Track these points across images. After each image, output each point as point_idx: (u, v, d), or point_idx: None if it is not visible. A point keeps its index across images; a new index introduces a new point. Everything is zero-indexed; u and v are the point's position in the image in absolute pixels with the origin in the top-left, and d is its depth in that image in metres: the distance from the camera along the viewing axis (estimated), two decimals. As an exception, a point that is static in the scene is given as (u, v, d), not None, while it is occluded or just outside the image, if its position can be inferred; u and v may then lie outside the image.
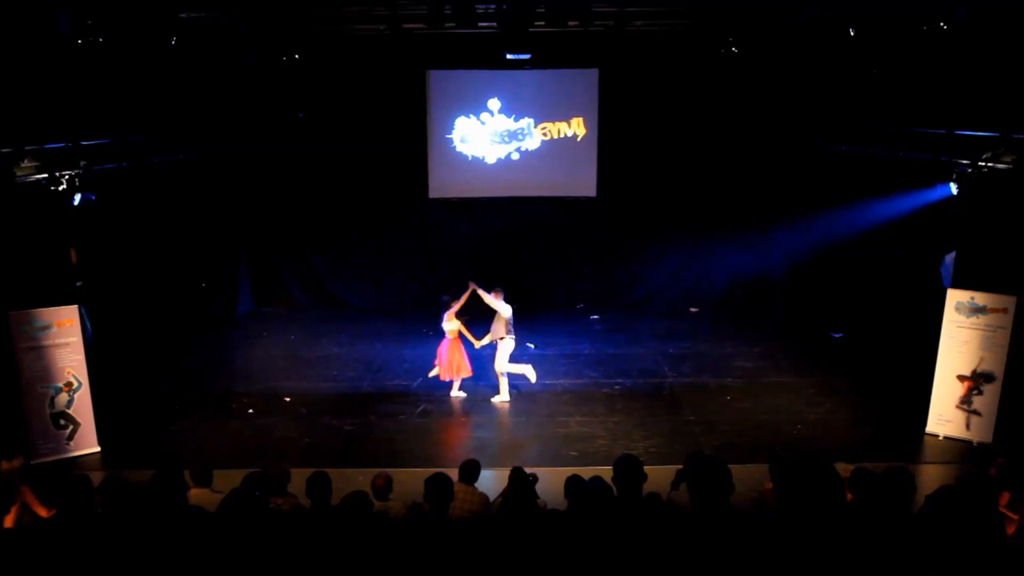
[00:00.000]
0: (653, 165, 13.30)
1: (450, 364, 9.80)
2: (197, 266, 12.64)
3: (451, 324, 9.77)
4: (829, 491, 4.03)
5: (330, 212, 13.50)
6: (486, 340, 9.84)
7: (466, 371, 9.88)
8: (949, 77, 9.11)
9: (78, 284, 9.74)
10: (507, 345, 9.71)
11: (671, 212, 13.47)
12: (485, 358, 10.11)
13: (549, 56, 12.48)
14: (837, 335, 12.18)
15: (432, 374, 10.02)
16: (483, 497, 6.03)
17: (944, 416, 8.75)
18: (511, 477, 5.78)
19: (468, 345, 9.94)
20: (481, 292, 9.59)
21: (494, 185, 13.63)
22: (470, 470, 6.04)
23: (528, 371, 9.88)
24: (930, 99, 9.63)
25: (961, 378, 8.66)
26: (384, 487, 5.71)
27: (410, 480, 6.00)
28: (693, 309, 13.66)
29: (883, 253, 11.30)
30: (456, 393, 10.03)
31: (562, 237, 14.01)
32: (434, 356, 10.03)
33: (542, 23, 10.12)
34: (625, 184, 13.50)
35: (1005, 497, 5.81)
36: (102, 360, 9.06)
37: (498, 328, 9.69)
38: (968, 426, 8.62)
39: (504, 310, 9.58)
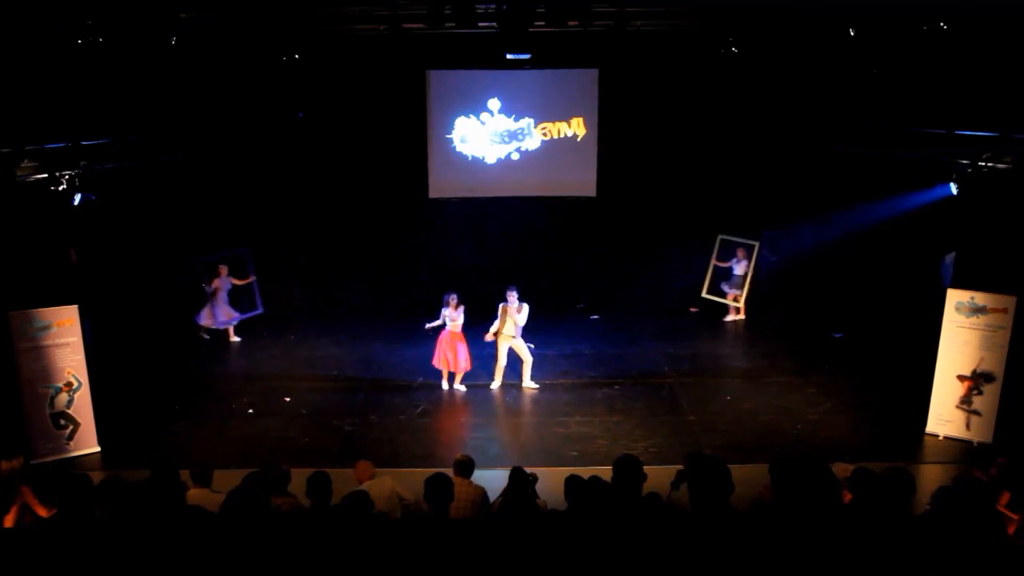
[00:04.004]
0: (653, 165, 13.29)
1: (444, 355, 10.01)
2: (197, 266, 12.63)
3: (452, 317, 9.95)
4: (824, 491, 4.04)
5: (330, 212, 13.48)
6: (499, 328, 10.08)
7: (465, 365, 10.06)
8: (949, 77, 9.12)
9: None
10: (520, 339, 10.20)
11: (671, 212, 13.46)
12: (486, 356, 10.21)
13: (549, 56, 12.47)
14: (837, 335, 12.18)
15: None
16: (482, 489, 6.12)
17: (944, 416, 8.76)
18: (511, 477, 5.79)
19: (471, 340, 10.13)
20: (508, 310, 9.96)
21: (494, 185, 13.62)
22: (465, 465, 6.17)
23: (499, 374, 10.29)
24: (930, 99, 9.64)
25: (961, 378, 8.66)
26: (366, 473, 5.84)
27: (410, 480, 6.01)
28: (693, 309, 13.65)
29: (883, 253, 11.31)
30: (446, 386, 10.22)
31: (562, 237, 14.01)
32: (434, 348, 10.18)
33: (542, 23, 10.12)
34: (625, 184, 13.50)
35: (1005, 497, 5.82)
36: (102, 360, 9.05)
37: (518, 321, 10.01)
38: (968, 426, 8.62)
39: (524, 308, 10.04)
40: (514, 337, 10.06)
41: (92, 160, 9.07)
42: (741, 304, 13.07)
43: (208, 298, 11.95)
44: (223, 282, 12.03)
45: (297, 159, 12.97)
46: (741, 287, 13.05)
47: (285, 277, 13.92)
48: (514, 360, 10.26)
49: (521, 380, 10.27)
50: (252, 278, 12.41)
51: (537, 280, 13.75)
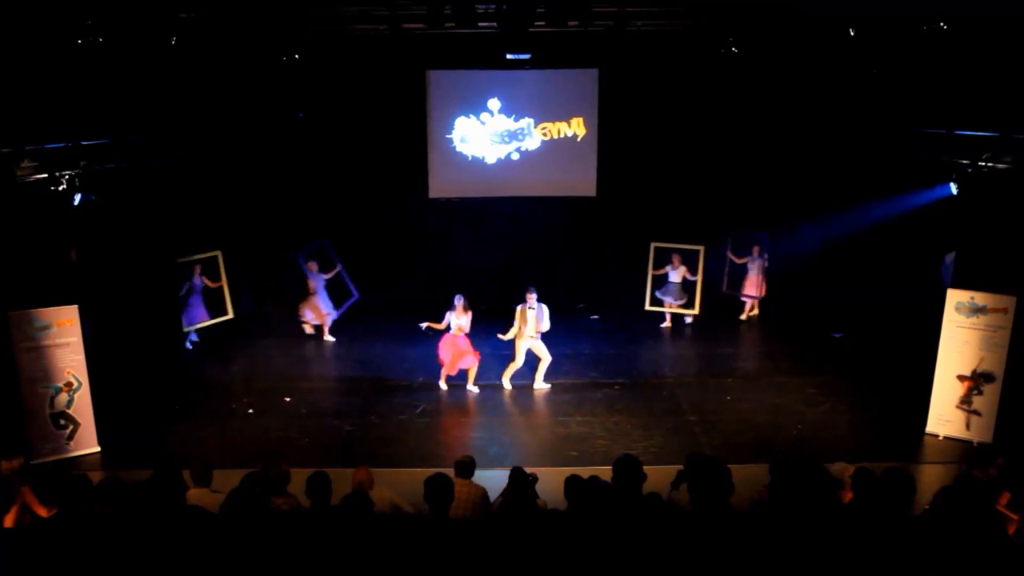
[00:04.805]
0: (653, 165, 13.30)
1: (452, 358, 9.96)
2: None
3: (459, 320, 9.90)
4: (820, 491, 4.04)
5: (330, 212, 13.48)
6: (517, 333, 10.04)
7: (472, 362, 10.03)
8: (949, 77, 9.12)
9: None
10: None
11: (671, 212, 13.46)
12: (491, 356, 10.27)
13: (549, 56, 12.47)
14: (837, 335, 12.18)
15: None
16: (482, 489, 6.12)
17: (944, 416, 8.76)
18: (511, 477, 5.79)
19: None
20: (525, 311, 9.93)
21: (494, 185, 13.62)
22: (466, 466, 6.17)
23: (509, 373, 10.26)
24: (930, 99, 9.64)
25: (961, 378, 8.66)
26: (367, 481, 5.79)
27: (410, 480, 6.01)
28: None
29: (883, 253, 11.31)
30: (444, 387, 10.17)
31: (562, 237, 14.01)
32: (438, 354, 10.13)
33: (542, 23, 10.13)
34: (625, 184, 13.50)
35: (1005, 497, 5.82)
36: (102, 360, 9.05)
37: (539, 325, 10.01)
38: (968, 426, 8.62)
39: (544, 309, 10.04)
40: (534, 338, 10.03)
41: (92, 160, 9.06)
42: (696, 309, 12.67)
43: (304, 295, 12.04)
44: (315, 278, 12.00)
45: (297, 159, 12.98)
46: (677, 294, 12.70)
47: (284, 277, 13.92)
48: (530, 359, 10.23)
49: (533, 380, 10.22)
50: (339, 267, 12.27)
51: (537, 280, 13.76)
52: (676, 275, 12.66)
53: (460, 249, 13.93)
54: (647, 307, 12.87)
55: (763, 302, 13.27)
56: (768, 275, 13.09)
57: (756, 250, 12.83)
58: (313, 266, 12.07)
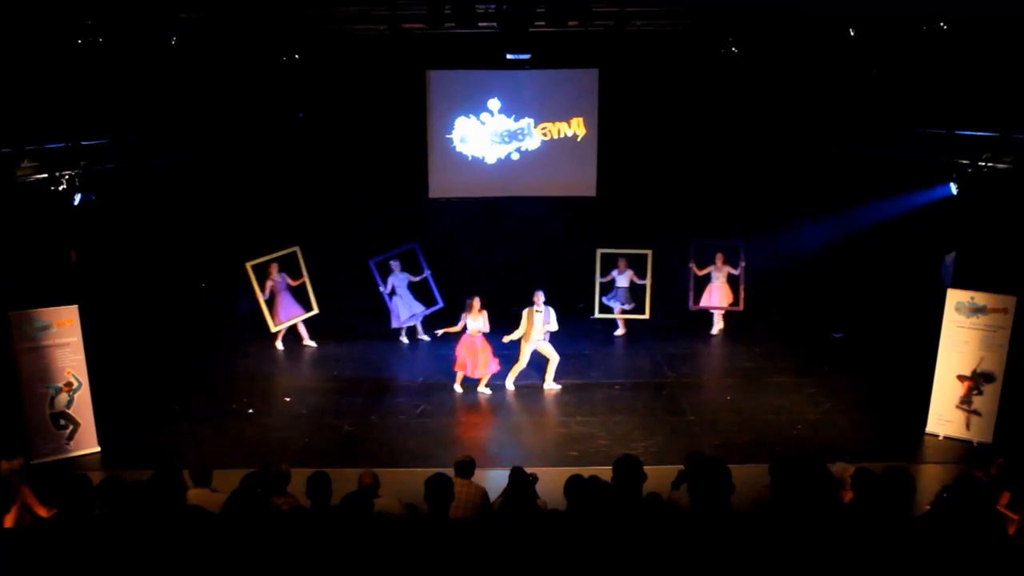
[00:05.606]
0: (653, 165, 13.29)
1: (464, 360, 9.94)
2: (197, 266, 12.63)
3: (475, 322, 9.87)
4: (820, 491, 4.04)
5: (330, 212, 13.49)
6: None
7: (493, 368, 10.01)
8: (949, 77, 9.13)
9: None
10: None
11: (671, 212, 13.46)
12: (505, 358, 10.28)
13: (549, 56, 12.47)
14: (837, 335, 12.18)
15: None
16: (482, 489, 6.11)
17: (944, 416, 8.76)
18: (511, 477, 5.78)
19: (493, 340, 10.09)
20: (532, 313, 9.95)
21: (494, 185, 13.61)
22: (466, 466, 6.15)
23: (514, 375, 10.26)
24: (930, 99, 9.64)
25: (961, 378, 8.66)
26: (372, 485, 5.76)
27: (410, 480, 6.01)
28: (694, 308, 13.64)
29: (883, 253, 11.31)
30: (459, 390, 10.09)
31: (562, 237, 14.00)
32: (453, 355, 10.09)
33: (542, 23, 10.14)
34: (625, 184, 13.49)
35: (1005, 497, 5.83)
36: (102, 360, 9.06)
37: (545, 326, 10.03)
38: (968, 426, 8.63)
39: (551, 312, 10.09)
40: (540, 340, 10.02)
41: (92, 160, 9.07)
42: (646, 314, 12.19)
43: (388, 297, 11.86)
44: (398, 278, 11.82)
45: (297, 159, 12.97)
46: (625, 299, 12.34)
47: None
48: (535, 360, 10.22)
49: (543, 381, 10.24)
50: (426, 273, 12.04)
51: (537, 280, 13.75)
52: (623, 279, 12.28)
53: (460, 249, 13.92)
54: (596, 315, 12.46)
55: (738, 316, 12.68)
56: (746, 285, 12.43)
57: (720, 259, 12.37)
58: (396, 266, 11.86)
